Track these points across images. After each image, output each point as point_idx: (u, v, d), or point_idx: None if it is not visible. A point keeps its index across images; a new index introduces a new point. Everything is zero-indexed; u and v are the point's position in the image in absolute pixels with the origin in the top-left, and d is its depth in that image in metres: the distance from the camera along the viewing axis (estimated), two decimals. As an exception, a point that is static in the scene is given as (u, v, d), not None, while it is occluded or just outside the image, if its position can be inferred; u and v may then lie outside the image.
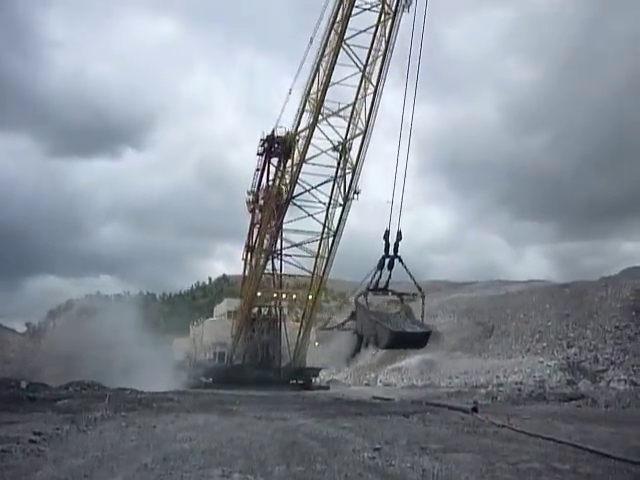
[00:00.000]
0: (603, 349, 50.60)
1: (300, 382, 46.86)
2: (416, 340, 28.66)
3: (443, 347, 62.75)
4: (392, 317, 28.32)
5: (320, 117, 40.70)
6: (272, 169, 49.76)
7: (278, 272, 47.83)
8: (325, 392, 44.03)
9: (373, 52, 38.86)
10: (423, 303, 28.82)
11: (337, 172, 42.50)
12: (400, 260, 27.20)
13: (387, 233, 27.00)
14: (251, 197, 53.06)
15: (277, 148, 48.77)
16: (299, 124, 43.12)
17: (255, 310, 48.04)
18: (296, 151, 43.39)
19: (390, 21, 37.57)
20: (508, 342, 58.97)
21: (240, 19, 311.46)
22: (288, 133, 46.17)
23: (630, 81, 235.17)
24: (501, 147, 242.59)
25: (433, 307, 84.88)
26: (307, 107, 41.81)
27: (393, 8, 37.10)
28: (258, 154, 50.77)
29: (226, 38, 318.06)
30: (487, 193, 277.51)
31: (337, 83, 40.18)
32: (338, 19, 38.69)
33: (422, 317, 28.86)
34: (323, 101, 40.37)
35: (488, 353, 58.19)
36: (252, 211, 52.59)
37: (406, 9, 36.48)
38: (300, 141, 43.17)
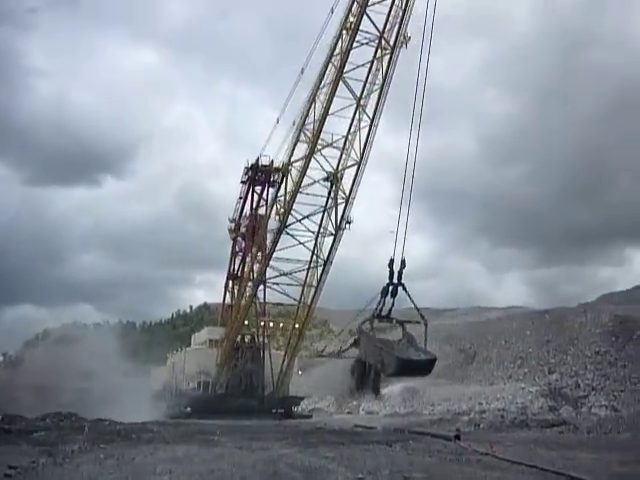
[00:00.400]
0: (584, 375, 50.84)
1: (281, 411, 46.45)
2: (422, 367, 28.56)
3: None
4: (396, 345, 28.26)
5: (316, 148, 41.08)
6: (256, 197, 50.12)
7: (261, 300, 47.65)
8: (307, 421, 43.60)
9: (368, 85, 39.43)
10: (426, 331, 28.78)
11: (327, 202, 42.78)
12: (404, 288, 27.06)
13: (392, 261, 26.83)
14: (233, 225, 53.18)
15: (261, 176, 49.07)
16: (292, 154, 43.02)
17: (239, 338, 47.76)
18: (289, 181, 43.29)
19: (388, 56, 38.34)
20: (490, 368, 59.04)
21: (220, 49, 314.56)
22: (272, 162, 46.55)
23: (605, 113, 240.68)
24: (480, 177, 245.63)
25: (415, 334, 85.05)
26: (302, 137, 41.90)
27: (391, 44, 37.86)
28: (242, 182, 51.01)
29: (206, 68, 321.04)
30: (466, 221, 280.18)
31: (332, 114, 40.53)
32: (336, 52, 39.17)
33: (425, 344, 28.84)
34: (320, 132, 40.71)
35: (470, 380, 58.12)
36: (234, 239, 52.62)
37: (404, 45, 37.59)
38: (293, 171, 43.13)
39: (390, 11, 37.13)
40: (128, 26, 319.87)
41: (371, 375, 27.50)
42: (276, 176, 47.01)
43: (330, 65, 39.63)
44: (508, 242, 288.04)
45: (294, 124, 43.00)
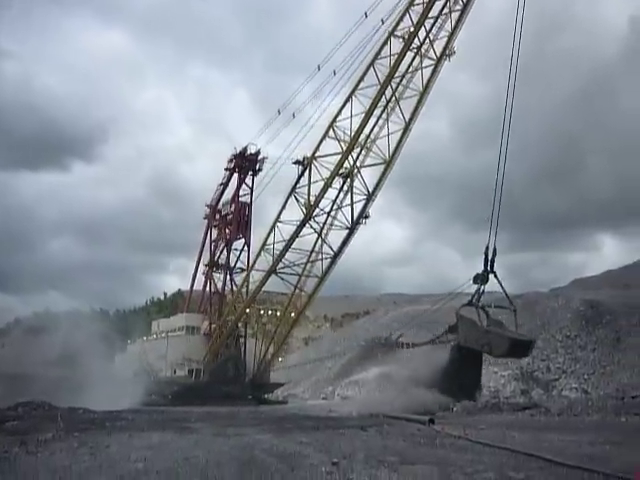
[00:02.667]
0: (555, 358, 51.77)
1: (259, 397, 46.74)
2: (527, 347, 29.66)
3: (401, 359, 63.08)
4: (498, 328, 29.11)
5: (345, 146, 41.42)
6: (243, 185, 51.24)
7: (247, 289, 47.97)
8: (283, 407, 43.80)
9: (401, 88, 40.79)
10: (516, 317, 30.38)
11: (338, 195, 43.22)
12: (495, 275, 28.42)
13: (487, 249, 28.21)
14: (210, 211, 53.01)
15: (247, 165, 49.51)
16: (317, 149, 43.04)
17: (228, 326, 48.03)
18: (306, 174, 43.16)
19: (433, 67, 40.17)
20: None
21: (191, 31, 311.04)
22: (259, 151, 48.80)
23: (578, 98, 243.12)
24: (454, 161, 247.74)
25: (389, 320, 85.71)
26: (330, 134, 42.05)
27: (438, 55, 39.90)
28: (226, 169, 51.24)
29: (177, 50, 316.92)
30: (441, 206, 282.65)
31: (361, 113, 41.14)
32: (383, 54, 40.13)
33: (516, 329, 30.28)
34: (360, 135, 41.15)
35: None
36: (213, 225, 52.49)
37: (448, 59, 40.15)
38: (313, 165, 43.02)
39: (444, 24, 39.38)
40: (97, 7, 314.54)
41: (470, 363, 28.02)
42: (262, 165, 48.92)
43: (371, 68, 40.33)
44: (482, 227, 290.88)
45: (294, 116, 44.74)
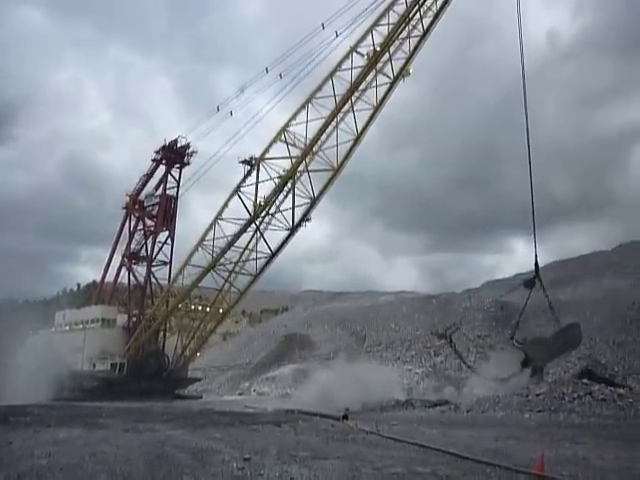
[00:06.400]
0: (466, 357, 53.42)
1: (174, 392, 46.19)
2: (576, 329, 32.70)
3: (316, 356, 63.67)
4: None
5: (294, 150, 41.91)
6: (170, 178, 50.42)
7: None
8: (198, 402, 43.31)
9: (354, 99, 41.54)
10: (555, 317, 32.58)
11: (277, 197, 42.99)
12: (540, 280, 31.20)
13: (536, 257, 31.12)
14: (130, 201, 51.57)
15: (175, 158, 48.91)
16: (267, 151, 42.94)
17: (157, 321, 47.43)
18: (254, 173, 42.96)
19: (389, 86, 41.17)
20: (379, 351, 60.81)
21: (111, 12, 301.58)
22: (188, 145, 49.08)
23: (496, 105, 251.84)
24: (376, 160, 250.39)
25: (308, 317, 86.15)
26: (281, 137, 42.12)
27: (395, 75, 41.01)
28: (153, 160, 50.23)
29: (97, 31, 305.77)
30: (362, 205, 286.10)
31: (314, 120, 41.79)
32: (343, 68, 41.03)
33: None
34: (314, 145, 41.80)
35: (360, 362, 59.58)
36: (137, 217, 51.14)
37: (403, 79, 41.33)
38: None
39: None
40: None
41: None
42: (191, 158, 49.13)
43: (333, 79, 41.06)
44: (400, 227, 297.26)
45: (231, 114, 45.20)
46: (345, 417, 21.13)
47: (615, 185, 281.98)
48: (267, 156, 42.80)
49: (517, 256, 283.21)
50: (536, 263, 31.35)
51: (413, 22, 40.45)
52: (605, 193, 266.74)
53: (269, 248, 43.98)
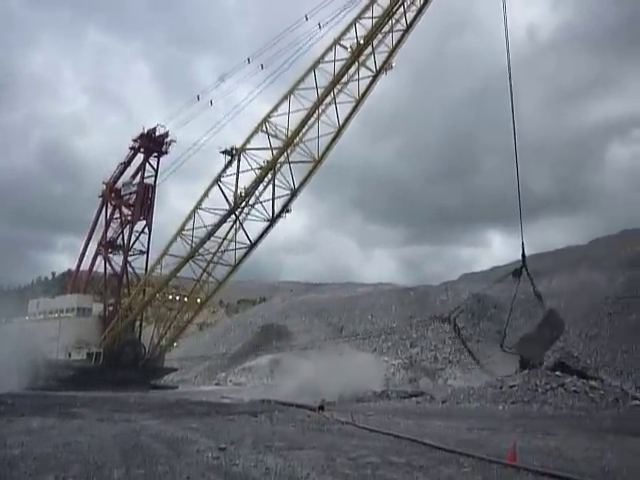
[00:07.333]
0: (442, 349, 54.07)
1: (150, 382, 46.00)
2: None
3: (293, 346, 63.79)
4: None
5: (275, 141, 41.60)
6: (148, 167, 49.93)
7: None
8: (173, 392, 43.22)
9: (336, 92, 41.42)
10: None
11: (257, 187, 42.80)
12: (527, 270, 32.07)
13: (523, 247, 31.81)
14: (106, 189, 51.00)
15: (153, 146, 48.48)
16: (248, 141, 42.55)
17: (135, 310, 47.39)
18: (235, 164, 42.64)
19: (371, 79, 41.15)
20: (356, 342, 61.09)
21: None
22: (167, 134, 48.57)
23: (475, 98, 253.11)
24: (355, 152, 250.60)
25: (285, 307, 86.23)
26: (262, 128, 41.78)
27: (377, 68, 40.93)
28: (130, 148, 49.73)
29: (74, 13, 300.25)
30: (341, 196, 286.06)
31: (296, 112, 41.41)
32: (326, 60, 40.76)
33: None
34: (295, 137, 41.50)
35: (337, 352, 59.86)
36: (114, 206, 50.59)
37: (386, 72, 41.24)
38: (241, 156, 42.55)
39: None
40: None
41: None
42: (169, 147, 48.76)
43: (315, 71, 40.77)
44: (380, 219, 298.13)
45: (211, 104, 44.77)
46: (321, 408, 21.23)
47: (593, 179, 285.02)
48: (248, 147, 42.45)
49: (493, 249, 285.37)
50: (523, 253, 32.13)
51: (396, 16, 40.38)
52: (583, 187, 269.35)
53: (248, 239, 43.87)
